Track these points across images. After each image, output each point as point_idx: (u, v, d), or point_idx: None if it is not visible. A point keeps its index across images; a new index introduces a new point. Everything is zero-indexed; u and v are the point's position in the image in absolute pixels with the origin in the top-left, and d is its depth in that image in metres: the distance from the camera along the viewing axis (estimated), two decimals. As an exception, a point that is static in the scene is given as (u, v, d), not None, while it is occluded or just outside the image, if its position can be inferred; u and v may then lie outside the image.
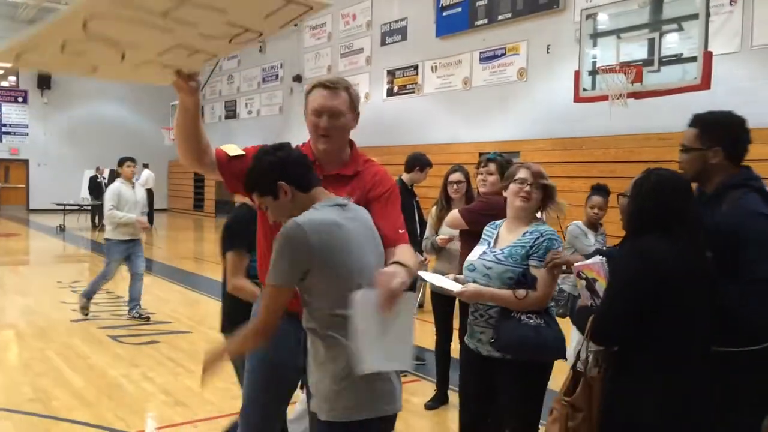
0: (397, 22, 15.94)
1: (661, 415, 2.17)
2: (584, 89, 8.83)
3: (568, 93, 10.19)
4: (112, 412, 4.53)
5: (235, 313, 3.17)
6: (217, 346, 2.24)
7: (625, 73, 8.08)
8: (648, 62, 8.09)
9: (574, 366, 2.47)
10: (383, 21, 16.34)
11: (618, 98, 8.14)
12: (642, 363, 2.23)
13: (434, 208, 5.07)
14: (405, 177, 5.66)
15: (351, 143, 2.66)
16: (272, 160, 2.20)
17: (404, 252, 2.38)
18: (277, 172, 2.19)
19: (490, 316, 2.93)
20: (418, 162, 5.67)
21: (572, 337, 2.57)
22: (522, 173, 3.00)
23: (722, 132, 2.51)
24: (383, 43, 16.42)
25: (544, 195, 3.02)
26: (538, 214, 3.11)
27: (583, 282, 2.54)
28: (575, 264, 2.64)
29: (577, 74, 8.97)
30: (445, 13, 14.29)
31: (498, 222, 3.15)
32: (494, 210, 3.42)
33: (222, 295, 3.43)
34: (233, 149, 2.55)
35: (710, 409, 2.22)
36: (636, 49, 8.40)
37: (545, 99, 12.15)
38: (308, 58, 19.32)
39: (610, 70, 8.23)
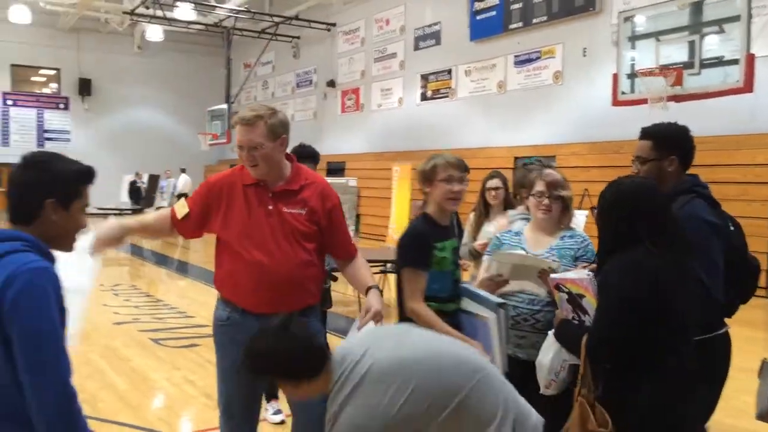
0: (430, 26, 15.95)
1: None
2: (622, 92, 8.74)
3: (605, 96, 10.09)
4: (155, 415, 4.62)
5: None
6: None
7: (664, 76, 7.98)
8: (688, 65, 7.99)
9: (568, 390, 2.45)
10: (417, 25, 16.36)
11: (657, 101, 8.04)
12: (639, 375, 2.23)
13: (472, 215, 5.06)
14: (442, 182, 5.66)
15: (291, 159, 2.89)
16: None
17: (368, 271, 2.94)
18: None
19: (537, 321, 2.90)
20: (455, 167, 5.66)
21: (545, 347, 2.62)
22: (539, 186, 3.01)
23: (674, 141, 2.78)
24: (417, 48, 16.44)
25: (563, 206, 3.02)
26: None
27: (564, 295, 2.53)
28: (552, 276, 2.65)
29: (615, 77, 8.88)
30: (478, 17, 14.26)
31: (515, 228, 3.17)
32: None
33: (399, 315, 2.96)
34: (181, 210, 2.88)
35: (700, 412, 2.39)
36: (676, 52, 8.29)
37: (581, 102, 12.04)
38: (342, 63, 19.44)
39: (649, 72, 8.14)
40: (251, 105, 2.85)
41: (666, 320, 2.22)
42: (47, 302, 1.71)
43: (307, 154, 4.66)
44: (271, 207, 2.75)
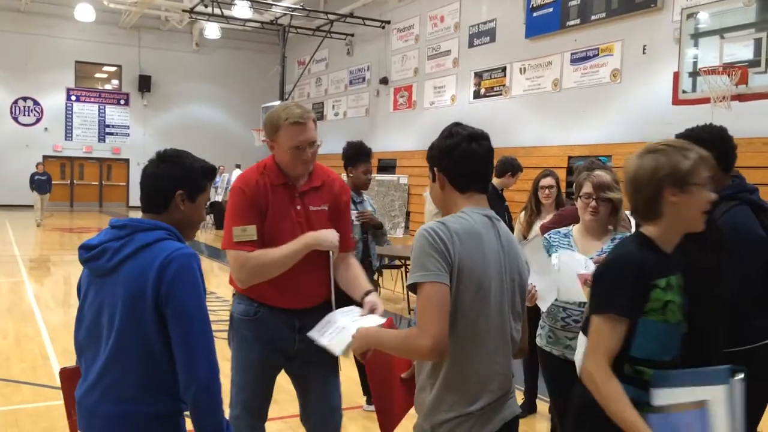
0: (485, 23, 15.78)
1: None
2: (684, 91, 8.48)
3: (665, 95, 9.81)
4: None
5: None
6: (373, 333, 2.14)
7: (728, 75, 7.70)
8: (754, 63, 7.69)
9: None
10: (471, 22, 16.21)
11: (721, 101, 7.76)
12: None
13: (522, 213, 4.98)
14: (495, 181, 5.59)
15: None
16: (440, 143, 2.05)
17: (364, 274, 2.90)
18: (435, 158, 2.07)
19: None
20: (510, 167, 5.58)
21: (579, 342, 2.54)
22: (586, 187, 2.96)
23: (712, 143, 2.53)
24: (471, 45, 16.30)
25: (612, 208, 2.93)
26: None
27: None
28: (580, 273, 2.60)
29: (676, 75, 8.63)
30: (535, 14, 14.03)
31: (562, 230, 3.11)
32: (567, 221, 3.44)
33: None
34: (249, 236, 2.68)
35: None
36: (741, 50, 7.99)
37: (640, 101, 11.72)
38: (395, 60, 19.43)
39: (712, 71, 7.86)
40: (287, 104, 2.81)
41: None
42: (198, 284, 1.92)
43: (363, 152, 4.71)
44: (299, 207, 2.75)
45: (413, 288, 1.89)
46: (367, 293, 2.72)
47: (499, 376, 1.97)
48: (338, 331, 2.55)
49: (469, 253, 1.90)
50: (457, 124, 2.06)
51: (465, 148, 1.99)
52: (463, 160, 1.99)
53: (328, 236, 2.69)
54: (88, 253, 2.01)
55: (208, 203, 2.20)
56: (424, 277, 1.85)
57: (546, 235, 3.16)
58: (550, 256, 3.00)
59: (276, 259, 2.63)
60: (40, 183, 18.31)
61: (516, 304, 2.03)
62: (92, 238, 2.05)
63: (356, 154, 4.68)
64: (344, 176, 4.34)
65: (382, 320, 2.51)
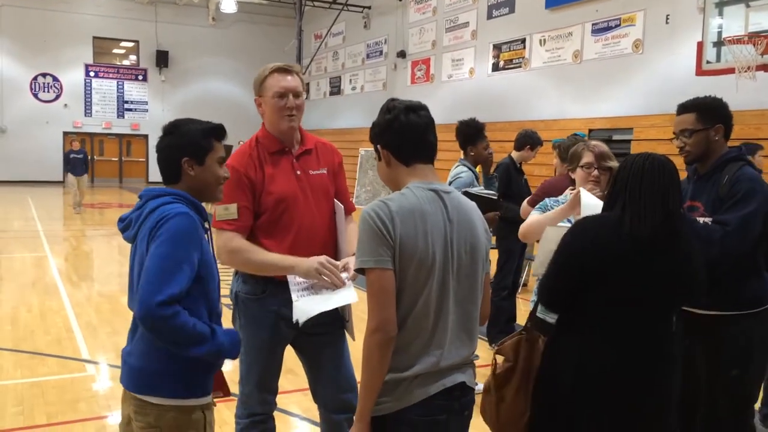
0: (504, -6, 15.53)
1: (576, 378, 2.23)
2: (707, 62, 8.31)
3: (688, 66, 9.62)
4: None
5: None
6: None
7: (754, 44, 7.52)
8: (781, 32, 7.49)
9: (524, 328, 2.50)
10: (490, -7, 15.96)
11: (745, 71, 7.60)
12: (570, 328, 2.29)
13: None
14: (514, 155, 5.54)
15: None
16: (379, 120, 2.12)
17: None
18: (377, 135, 2.10)
19: None
20: (529, 140, 5.52)
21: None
22: (587, 157, 2.98)
23: (718, 111, 2.88)
24: (489, 17, 16.06)
25: (611, 177, 2.91)
26: None
27: None
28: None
29: (699, 45, 8.45)
30: (555, -16, 13.77)
31: (561, 198, 3.11)
32: (551, 192, 3.53)
33: None
34: (230, 214, 2.65)
35: (633, 375, 2.21)
36: (766, 18, 7.78)
37: (663, 72, 11.51)
38: (412, 33, 19.22)
39: (737, 41, 7.68)
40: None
41: (597, 286, 2.21)
42: (180, 238, 2.01)
43: (479, 128, 4.76)
44: (299, 172, 2.74)
45: (361, 270, 1.98)
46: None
47: (438, 348, 2.01)
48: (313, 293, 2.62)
49: (408, 232, 1.94)
50: (392, 100, 2.14)
51: (404, 120, 2.06)
52: (404, 132, 2.05)
53: (313, 265, 2.57)
54: (121, 225, 2.21)
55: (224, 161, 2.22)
56: (367, 263, 1.94)
57: (548, 203, 3.13)
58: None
59: (258, 263, 2.63)
60: (75, 162, 15.58)
61: (470, 276, 2.06)
62: (128, 212, 2.21)
63: (475, 131, 4.69)
64: (460, 159, 4.41)
65: (352, 293, 2.55)
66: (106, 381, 4.96)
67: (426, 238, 1.96)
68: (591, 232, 2.27)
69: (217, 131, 2.18)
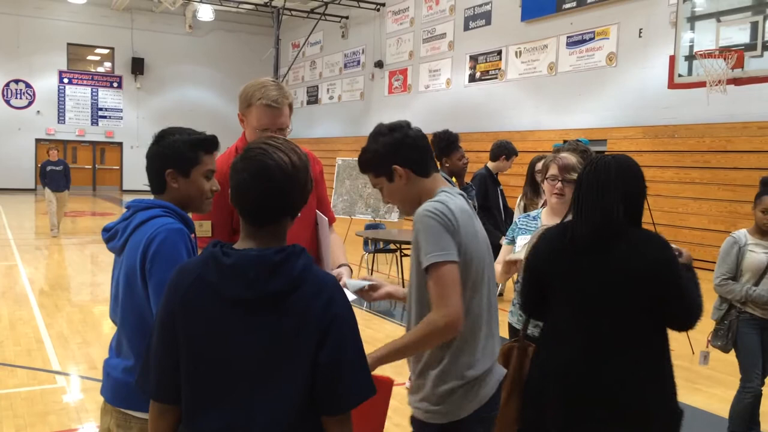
0: (481, 6, 15.68)
1: (541, 377, 2.30)
2: (679, 75, 8.45)
3: (660, 79, 9.78)
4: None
5: None
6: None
7: (724, 58, 7.67)
8: (750, 47, 7.66)
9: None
10: (467, 5, 16.11)
11: (716, 84, 7.74)
12: (543, 332, 2.38)
13: (520, 199, 4.99)
14: (490, 165, 5.58)
15: None
16: (387, 141, 2.08)
17: (342, 250, 2.84)
18: (388, 156, 2.07)
19: None
20: (504, 150, 5.58)
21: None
22: (552, 169, 2.99)
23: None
24: (466, 28, 16.20)
25: None
26: None
27: None
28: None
29: (672, 59, 8.59)
30: (531, -3, 13.94)
31: (532, 213, 3.15)
32: None
33: None
34: (204, 230, 2.61)
35: (589, 377, 2.18)
36: (737, 33, 7.96)
37: (636, 85, 11.69)
38: (390, 43, 19.31)
39: (708, 55, 7.83)
40: (266, 81, 2.61)
41: (555, 292, 2.28)
42: (178, 259, 1.90)
43: (453, 140, 4.79)
44: None
45: (426, 268, 1.97)
46: (340, 266, 2.69)
47: (493, 341, 2.11)
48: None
49: (468, 231, 2.00)
50: (381, 124, 2.14)
51: (413, 134, 2.09)
52: (418, 145, 2.09)
53: None
54: (107, 235, 2.14)
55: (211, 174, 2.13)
56: (441, 256, 1.93)
57: (516, 219, 3.18)
58: (515, 241, 3.05)
59: None
60: (54, 176, 12.74)
61: (492, 276, 2.18)
62: (113, 221, 2.15)
63: (448, 142, 4.71)
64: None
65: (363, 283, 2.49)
66: (77, 393, 4.87)
67: (477, 237, 2.04)
68: (542, 242, 2.36)
69: (206, 144, 2.09)
